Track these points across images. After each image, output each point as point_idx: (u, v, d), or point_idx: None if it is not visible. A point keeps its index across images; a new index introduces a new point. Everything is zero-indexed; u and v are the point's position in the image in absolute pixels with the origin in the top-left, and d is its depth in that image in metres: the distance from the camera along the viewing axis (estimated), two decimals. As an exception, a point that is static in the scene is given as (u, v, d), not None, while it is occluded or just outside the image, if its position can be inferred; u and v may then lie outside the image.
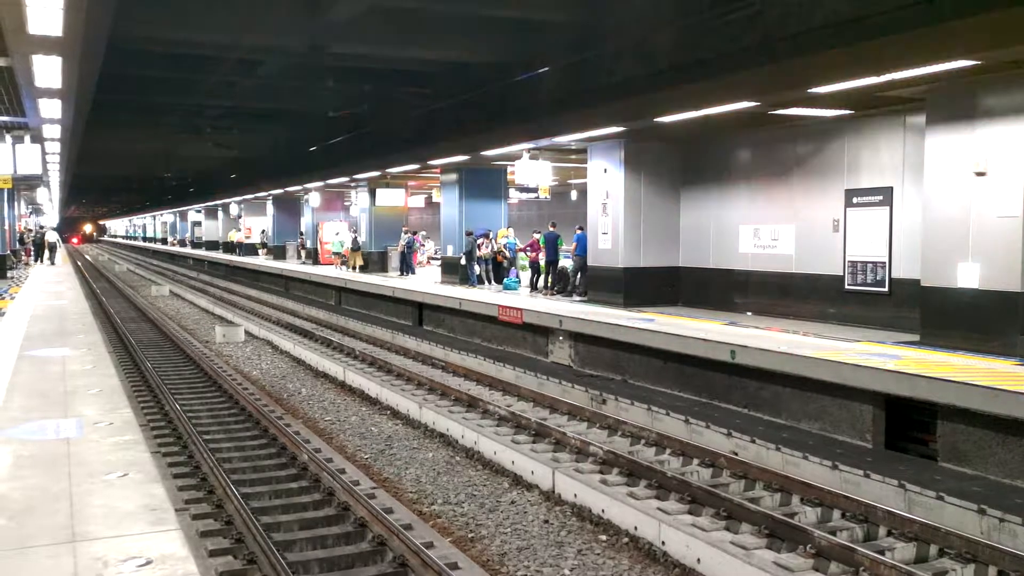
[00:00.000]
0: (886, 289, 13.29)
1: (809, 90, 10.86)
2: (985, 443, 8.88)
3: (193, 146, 33.50)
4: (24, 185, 34.85)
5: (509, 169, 23.12)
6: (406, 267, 27.90)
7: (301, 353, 17.61)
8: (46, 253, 38.58)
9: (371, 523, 7.43)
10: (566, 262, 20.93)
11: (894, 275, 13.17)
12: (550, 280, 20.76)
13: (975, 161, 10.75)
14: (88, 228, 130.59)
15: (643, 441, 10.46)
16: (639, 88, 14.09)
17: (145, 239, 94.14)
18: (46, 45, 11.18)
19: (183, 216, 68.92)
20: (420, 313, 22.03)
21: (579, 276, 19.42)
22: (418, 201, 38.98)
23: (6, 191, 29.16)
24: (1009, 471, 8.65)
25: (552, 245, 20.66)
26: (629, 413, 11.73)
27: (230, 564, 6.75)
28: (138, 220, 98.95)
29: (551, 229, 20.78)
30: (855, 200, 13.69)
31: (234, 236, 49.46)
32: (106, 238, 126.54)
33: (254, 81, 21.07)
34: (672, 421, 11.04)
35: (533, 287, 21.24)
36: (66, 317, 15.30)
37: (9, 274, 29.28)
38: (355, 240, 30.80)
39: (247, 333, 20.92)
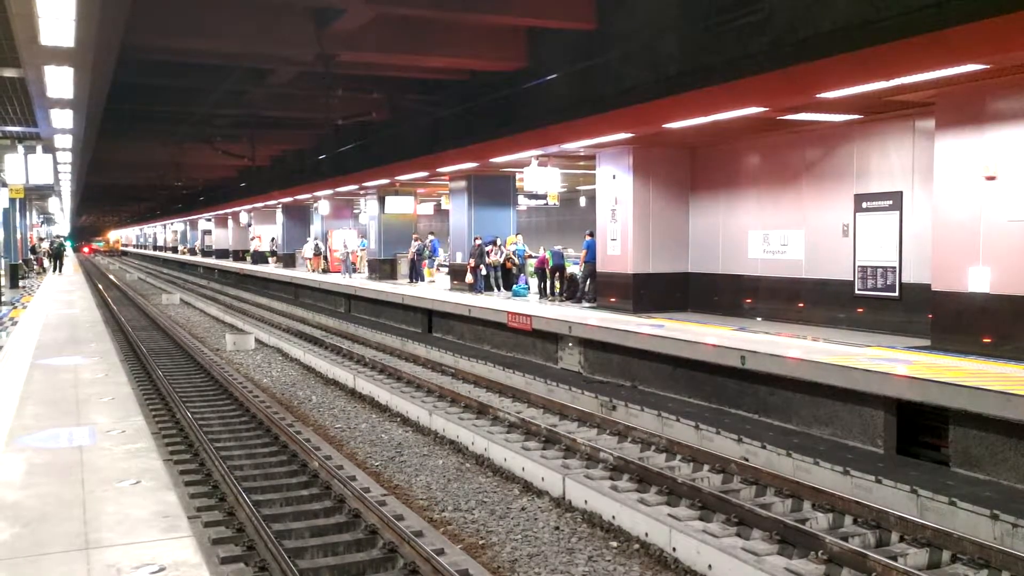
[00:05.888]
0: (896, 294, 13.25)
1: (818, 95, 10.85)
2: (998, 448, 8.84)
3: (203, 155, 33.70)
4: (36, 195, 35.12)
5: (518, 176, 23.16)
6: (416, 274, 27.96)
7: (311, 360, 17.65)
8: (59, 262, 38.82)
9: (382, 530, 7.44)
10: (575, 268, 20.97)
11: (904, 280, 13.12)
12: (559, 286, 20.79)
13: (985, 165, 10.72)
14: (112, 237, 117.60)
15: (653, 447, 10.45)
16: (647, 94, 14.11)
17: (156, 248, 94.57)
18: (58, 56, 11.29)
19: (193, 225, 69.18)
20: (430, 320, 22.06)
21: (588, 282, 19.43)
22: (427, 208, 39.07)
23: (18, 201, 29.37)
24: (1022, 476, 8.61)
25: (557, 255, 20.87)
26: (639, 419, 11.72)
27: (242, 571, 6.78)
28: (148, 229, 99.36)
29: (556, 248, 21.07)
30: (864, 205, 13.66)
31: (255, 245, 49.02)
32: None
33: (263, 90, 21.20)
34: (682, 427, 11.03)
35: (542, 293, 21.26)
36: (78, 326, 15.38)
37: (21, 283, 29.43)
38: (316, 247, 35.51)
39: (257, 341, 20.99)
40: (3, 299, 22.35)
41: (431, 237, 29.48)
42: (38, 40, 10.33)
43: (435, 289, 24.78)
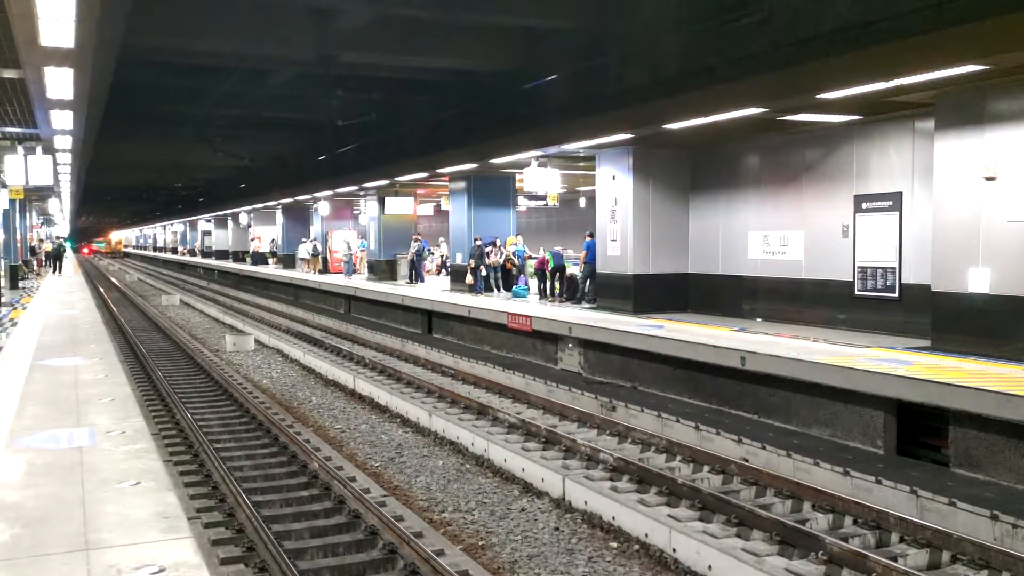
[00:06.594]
0: (896, 294, 13.25)
1: (818, 96, 10.84)
2: (997, 449, 8.84)
3: (203, 156, 33.64)
4: (36, 196, 35.09)
5: (518, 177, 23.16)
6: (416, 275, 27.96)
7: (311, 362, 17.64)
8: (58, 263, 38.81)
9: (382, 531, 7.44)
10: (575, 269, 20.99)
11: (904, 280, 13.13)
12: (559, 287, 20.80)
13: (985, 165, 10.72)
14: (114, 237, 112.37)
15: (653, 448, 10.45)
16: (647, 95, 14.09)
17: (155, 249, 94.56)
18: (58, 57, 11.27)
19: (193, 225, 69.16)
20: (429, 321, 22.05)
21: (588, 283, 19.43)
22: (427, 209, 39.07)
23: (18, 202, 29.34)
24: (1022, 477, 8.61)
25: (557, 256, 20.91)
26: (639, 420, 11.72)
27: (242, 572, 6.79)
28: (148, 230, 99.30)
29: (555, 249, 21.09)
30: (864, 205, 13.66)
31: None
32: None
33: (263, 91, 21.18)
34: (682, 428, 11.03)
35: (542, 294, 21.27)
36: (78, 327, 15.38)
37: (20, 284, 29.41)
38: (314, 247, 36.70)
39: (257, 342, 20.98)
40: (3, 300, 22.32)
41: (420, 238, 29.45)
42: (38, 41, 10.31)
43: (435, 290, 24.78)
